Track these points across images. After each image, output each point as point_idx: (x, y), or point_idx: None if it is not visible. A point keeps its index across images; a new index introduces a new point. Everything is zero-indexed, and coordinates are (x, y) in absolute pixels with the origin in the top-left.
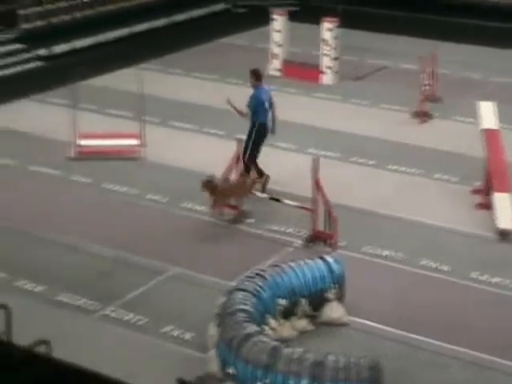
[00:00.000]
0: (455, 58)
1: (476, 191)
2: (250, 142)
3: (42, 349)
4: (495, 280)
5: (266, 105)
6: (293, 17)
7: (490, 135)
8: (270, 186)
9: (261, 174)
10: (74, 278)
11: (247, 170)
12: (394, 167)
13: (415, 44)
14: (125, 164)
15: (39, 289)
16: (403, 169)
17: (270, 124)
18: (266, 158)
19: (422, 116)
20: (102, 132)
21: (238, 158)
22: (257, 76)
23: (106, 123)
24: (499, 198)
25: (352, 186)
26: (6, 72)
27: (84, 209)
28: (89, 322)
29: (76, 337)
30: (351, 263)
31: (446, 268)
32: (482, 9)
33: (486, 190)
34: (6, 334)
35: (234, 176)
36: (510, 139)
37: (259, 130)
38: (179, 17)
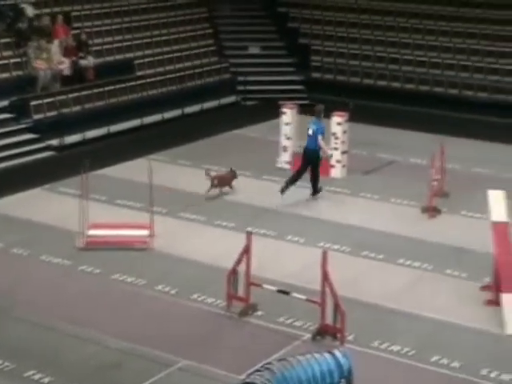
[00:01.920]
0: (464, 154)
1: (485, 287)
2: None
3: None
4: (505, 377)
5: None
6: (302, 110)
7: (499, 230)
8: (278, 279)
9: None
10: (83, 369)
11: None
12: (404, 262)
13: (424, 139)
14: (134, 254)
15: (47, 380)
16: (413, 263)
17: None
18: (275, 251)
19: (431, 211)
20: (112, 222)
21: (247, 251)
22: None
23: (116, 213)
24: (507, 300)
25: (361, 279)
26: (19, 161)
27: (92, 299)
28: None
29: None
30: (360, 358)
31: (456, 364)
32: (489, 105)
33: (496, 287)
34: None
35: (244, 269)
36: None
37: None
38: (191, 109)
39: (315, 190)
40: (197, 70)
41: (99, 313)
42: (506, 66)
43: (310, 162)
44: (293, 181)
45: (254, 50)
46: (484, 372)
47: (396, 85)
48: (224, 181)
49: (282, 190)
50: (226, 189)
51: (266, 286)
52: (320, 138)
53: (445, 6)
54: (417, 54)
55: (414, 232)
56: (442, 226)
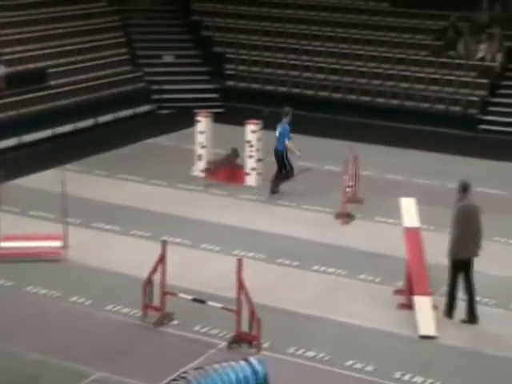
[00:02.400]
0: (377, 160)
1: (398, 291)
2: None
3: None
4: (418, 379)
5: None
6: (217, 118)
7: (411, 235)
8: (194, 287)
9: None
10: None
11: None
12: (319, 268)
13: (338, 146)
14: (47, 266)
15: None
16: (327, 269)
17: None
18: (191, 260)
19: (345, 217)
20: (24, 234)
21: (162, 260)
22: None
23: (29, 225)
24: (419, 302)
25: (277, 286)
26: None
27: (5, 312)
28: None
29: None
30: (275, 365)
31: (370, 368)
32: (401, 111)
33: (408, 291)
34: None
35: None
36: (430, 239)
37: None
38: (105, 118)
39: (273, 190)
40: (110, 79)
41: (13, 326)
42: (416, 73)
43: (277, 161)
44: (277, 179)
45: (168, 58)
46: (397, 375)
47: (309, 92)
48: (229, 163)
49: (273, 192)
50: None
51: (181, 294)
52: (286, 140)
53: (357, 14)
54: (329, 61)
55: (329, 238)
56: (355, 231)
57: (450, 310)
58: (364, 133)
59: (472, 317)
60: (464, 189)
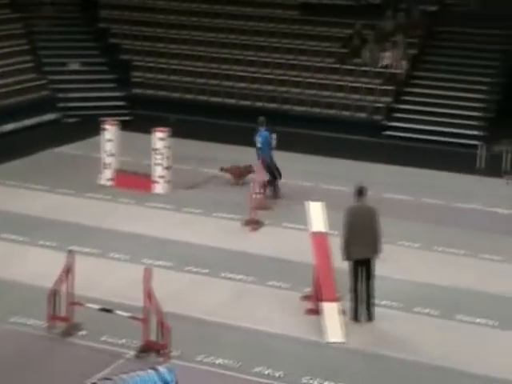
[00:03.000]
0: (287, 166)
1: (306, 297)
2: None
3: None
4: None
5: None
6: (124, 126)
7: (318, 240)
8: (102, 297)
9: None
10: None
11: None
12: (228, 275)
13: (247, 153)
14: None
15: None
16: (236, 276)
17: None
18: (99, 269)
19: (253, 224)
20: None
21: (68, 270)
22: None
23: None
24: (326, 308)
25: (186, 294)
26: None
27: None
28: None
29: None
30: (185, 373)
31: (278, 374)
32: (310, 118)
33: (316, 296)
34: None
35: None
36: (338, 244)
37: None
38: (9, 126)
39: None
40: (15, 87)
41: None
42: (322, 80)
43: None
44: (271, 184)
45: (73, 66)
46: (305, 380)
47: (217, 100)
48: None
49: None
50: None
51: (88, 304)
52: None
53: (265, 22)
54: (236, 68)
55: (237, 245)
56: (264, 238)
57: (355, 314)
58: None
59: (367, 317)
60: (359, 192)
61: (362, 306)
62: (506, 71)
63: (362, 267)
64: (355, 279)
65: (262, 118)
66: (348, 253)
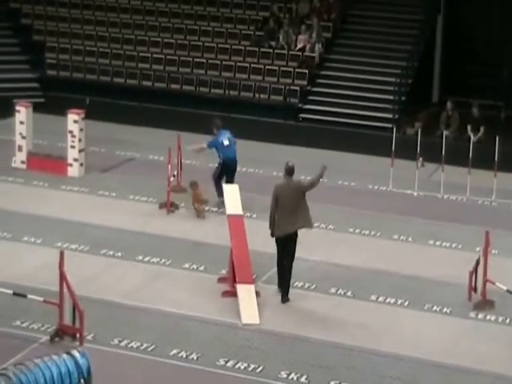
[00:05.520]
0: None
1: (222, 279)
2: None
3: None
4: (241, 366)
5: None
6: (38, 108)
7: (234, 222)
8: (15, 281)
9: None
10: None
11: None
12: (143, 258)
13: (162, 135)
14: None
15: None
16: (152, 259)
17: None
18: (11, 253)
19: (169, 206)
20: None
21: None
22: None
23: None
24: (242, 290)
25: (100, 278)
26: None
27: None
28: None
29: None
30: (100, 357)
31: (194, 356)
32: (227, 102)
33: (231, 278)
34: None
35: None
36: (254, 227)
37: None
38: None
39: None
40: None
41: None
42: (239, 63)
43: (231, 172)
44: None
45: None
46: (221, 362)
47: (133, 82)
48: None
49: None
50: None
51: (0, 289)
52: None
53: (181, 3)
54: (153, 51)
55: (152, 228)
56: (179, 220)
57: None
58: (188, 122)
59: (282, 297)
60: (289, 172)
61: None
62: (418, 55)
63: (287, 244)
64: (280, 257)
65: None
66: (273, 229)
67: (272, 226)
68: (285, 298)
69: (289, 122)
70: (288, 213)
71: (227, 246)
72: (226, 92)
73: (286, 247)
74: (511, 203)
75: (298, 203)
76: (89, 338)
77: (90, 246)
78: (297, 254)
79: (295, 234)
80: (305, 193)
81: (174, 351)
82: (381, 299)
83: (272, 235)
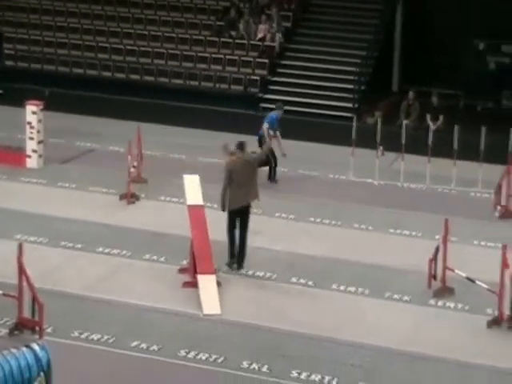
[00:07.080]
0: (161, 140)
1: (182, 270)
2: None
3: None
4: (202, 356)
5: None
6: None
7: (195, 213)
8: None
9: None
10: None
11: None
12: (103, 250)
13: (122, 126)
14: None
15: None
16: (112, 251)
17: None
18: None
19: (130, 197)
20: None
21: None
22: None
23: None
24: (203, 280)
25: (60, 270)
26: None
27: None
28: None
29: None
30: (60, 350)
31: (155, 348)
32: (187, 91)
33: (192, 269)
34: None
35: None
36: (215, 217)
37: None
38: None
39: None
40: None
41: None
42: (199, 53)
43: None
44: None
45: None
46: (182, 353)
47: (93, 72)
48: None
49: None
50: None
51: None
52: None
53: None
54: (112, 41)
55: (113, 219)
56: (140, 212)
57: (230, 262)
58: (148, 113)
59: (238, 265)
60: (240, 147)
61: (234, 253)
62: (378, 45)
63: (243, 216)
64: (232, 228)
65: (279, 104)
66: (226, 204)
67: (224, 200)
68: (241, 264)
69: (249, 112)
70: (243, 186)
71: (188, 236)
72: (187, 82)
73: (242, 219)
74: (470, 191)
75: (250, 177)
76: (48, 330)
77: (49, 238)
78: (258, 244)
79: (250, 206)
80: (256, 168)
81: (135, 343)
82: (342, 288)
83: (223, 210)
